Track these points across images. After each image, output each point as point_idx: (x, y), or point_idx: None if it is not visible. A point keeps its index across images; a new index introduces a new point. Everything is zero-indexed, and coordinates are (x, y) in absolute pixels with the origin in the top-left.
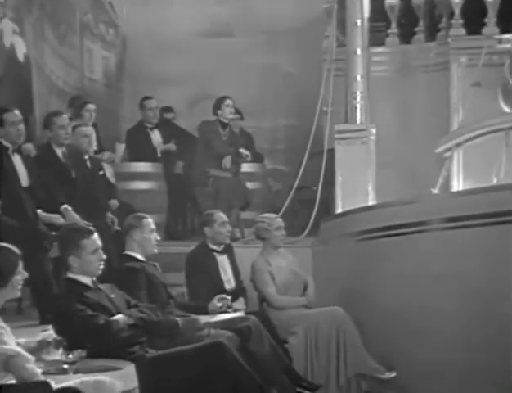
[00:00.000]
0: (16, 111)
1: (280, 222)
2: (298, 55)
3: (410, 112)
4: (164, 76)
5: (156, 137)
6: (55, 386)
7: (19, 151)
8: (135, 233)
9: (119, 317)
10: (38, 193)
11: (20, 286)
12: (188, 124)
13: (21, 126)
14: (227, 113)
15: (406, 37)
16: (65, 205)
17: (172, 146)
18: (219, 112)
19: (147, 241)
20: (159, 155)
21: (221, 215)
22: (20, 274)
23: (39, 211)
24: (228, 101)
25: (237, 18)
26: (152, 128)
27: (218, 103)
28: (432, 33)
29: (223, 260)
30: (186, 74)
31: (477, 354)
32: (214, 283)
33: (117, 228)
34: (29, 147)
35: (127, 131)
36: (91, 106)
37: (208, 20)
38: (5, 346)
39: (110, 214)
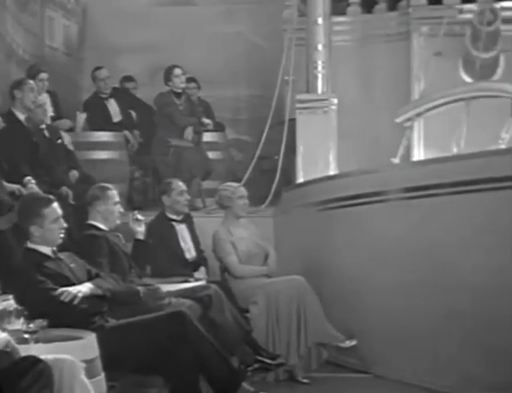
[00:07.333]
0: None
1: (243, 191)
2: (260, 24)
3: (371, 82)
4: (125, 45)
5: (113, 106)
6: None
7: None
8: (99, 204)
9: (87, 286)
10: (2, 164)
11: None
12: (150, 93)
13: None
14: (178, 83)
15: (368, 6)
16: (29, 177)
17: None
18: (170, 83)
19: (111, 212)
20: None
21: (179, 184)
22: None
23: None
24: (177, 71)
25: None
26: (107, 98)
27: (168, 74)
28: (393, 2)
29: (182, 230)
30: (148, 43)
31: (435, 323)
32: (174, 252)
33: (71, 202)
34: None
35: (84, 102)
36: (43, 75)
37: None
38: None
39: (65, 188)
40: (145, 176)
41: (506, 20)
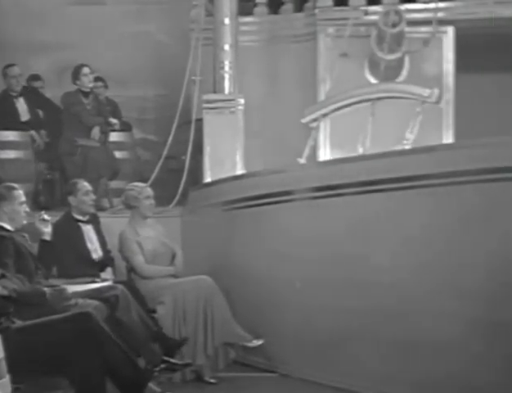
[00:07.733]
0: None
1: (149, 191)
2: (168, 24)
3: (278, 82)
4: (34, 44)
5: (21, 105)
6: None
7: None
8: (5, 205)
9: None
10: None
11: None
12: (57, 92)
13: None
14: (86, 82)
15: (275, 7)
16: None
17: None
18: (78, 82)
19: (17, 213)
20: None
21: (84, 184)
22: None
23: None
24: (85, 70)
25: None
26: (17, 97)
27: (76, 73)
28: (300, 3)
29: (89, 230)
30: (56, 42)
31: (344, 321)
32: (80, 253)
33: None
34: None
35: None
36: None
37: None
38: None
39: None
40: (52, 176)
41: (411, 22)
